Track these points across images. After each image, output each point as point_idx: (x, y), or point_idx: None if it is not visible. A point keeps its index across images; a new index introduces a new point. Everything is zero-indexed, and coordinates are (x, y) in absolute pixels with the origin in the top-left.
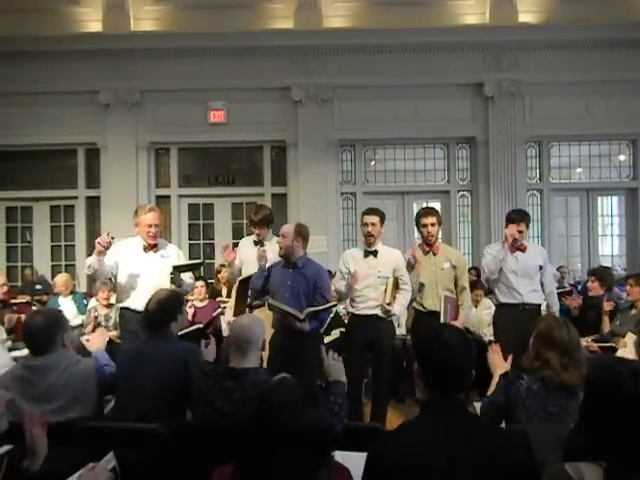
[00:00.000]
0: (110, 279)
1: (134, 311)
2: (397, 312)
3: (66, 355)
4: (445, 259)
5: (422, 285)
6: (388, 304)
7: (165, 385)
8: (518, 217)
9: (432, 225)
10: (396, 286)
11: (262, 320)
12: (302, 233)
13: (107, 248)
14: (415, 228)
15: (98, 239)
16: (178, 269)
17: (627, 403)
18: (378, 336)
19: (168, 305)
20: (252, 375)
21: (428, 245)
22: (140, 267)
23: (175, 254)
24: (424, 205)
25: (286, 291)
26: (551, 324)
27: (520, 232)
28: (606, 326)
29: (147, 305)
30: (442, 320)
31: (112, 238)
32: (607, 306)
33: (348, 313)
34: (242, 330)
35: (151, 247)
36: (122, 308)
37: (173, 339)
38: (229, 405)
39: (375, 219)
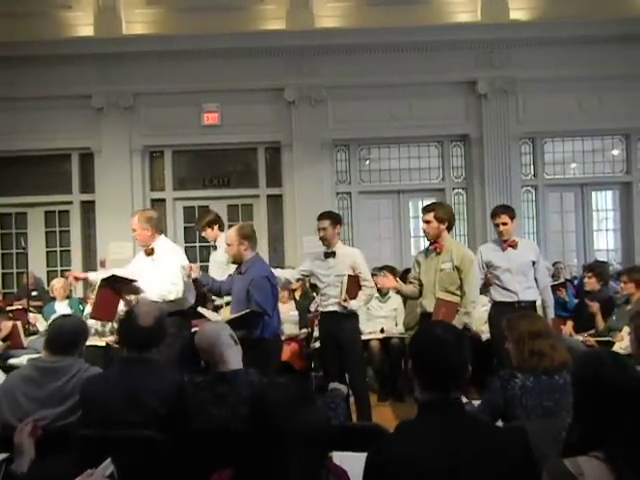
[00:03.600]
0: None
1: None
2: (355, 307)
3: (78, 361)
4: (447, 259)
5: (422, 286)
6: (344, 300)
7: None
8: (499, 209)
9: (427, 222)
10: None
11: (219, 320)
12: (246, 234)
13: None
14: (410, 226)
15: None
16: (106, 280)
17: (613, 391)
18: (339, 332)
19: (164, 323)
20: (242, 376)
21: (431, 243)
22: (139, 271)
23: (164, 257)
24: (419, 203)
25: (232, 298)
26: (524, 322)
27: (504, 224)
28: (600, 324)
29: (132, 320)
30: None
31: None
32: (594, 308)
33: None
34: (207, 341)
35: (150, 251)
36: None
37: (155, 369)
38: (226, 409)
39: (325, 223)
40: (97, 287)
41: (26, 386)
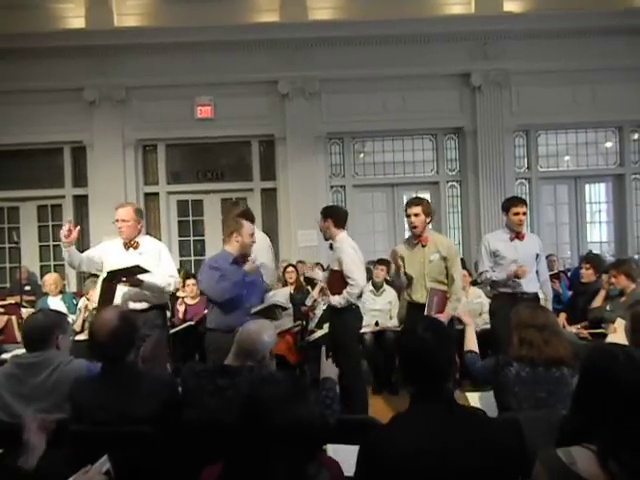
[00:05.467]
0: (96, 275)
1: None
2: (334, 303)
3: (58, 354)
4: (434, 250)
5: (411, 278)
6: (318, 294)
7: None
8: (520, 200)
9: (415, 215)
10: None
11: (273, 327)
12: None
13: (70, 235)
14: (404, 219)
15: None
16: (113, 274)
17: (622, 387)
18: (333, 325)
19: (122, 333)
20: (246, 373)
21: (415, 236)
22: (119, 265)
23: (155, 250)
24: (414, 196)
25: (251, 289)
26: (524, 311)
27: (524, 214)
28: (597, 303)
29: (94, 333)
30: (426, 313)
31: (70, 223)
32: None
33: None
34: (249, 337)
35: (131, 244)
36: None
37: (141, 375)
38: (222, 402)
39: (319, 217)
40: (101, 280)
41: (9, 383)
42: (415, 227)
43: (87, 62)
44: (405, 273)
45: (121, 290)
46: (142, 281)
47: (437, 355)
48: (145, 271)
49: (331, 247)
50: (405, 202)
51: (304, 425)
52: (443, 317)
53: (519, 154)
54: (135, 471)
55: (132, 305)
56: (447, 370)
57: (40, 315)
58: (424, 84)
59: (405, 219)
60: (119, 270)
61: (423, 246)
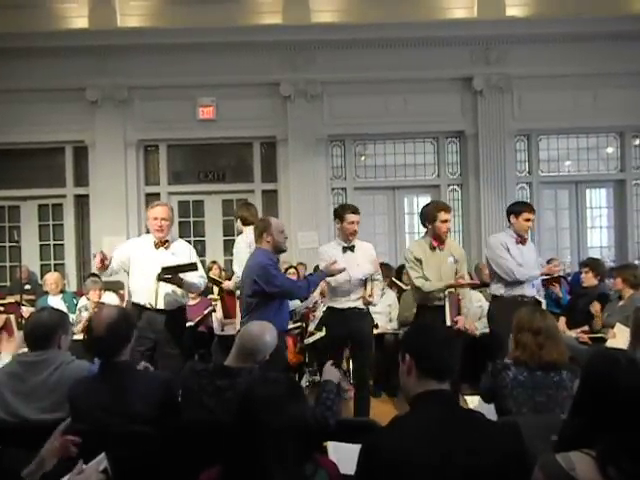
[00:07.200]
0: (99, 277)
1: (143, 307)
2: (376, 302)
3: (61, 354)
4: (449, 254)
5: (427, 280)
6: (369, 296)
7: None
8: (530, 206)
9: (449, 221)
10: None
11: (274, 328)
12: None
13: (104, 262)
14: (405, 222)
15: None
16: (168, 270)
17: (623, 392)
18: (359, 327)
19: (119, 328)
20: (245, 374)
21: (439, 241)
22: (150, 263)
23: (187, 251)
24: (415, 200)
25: None
26: (524, 314)
27: (533, 221)
28: (598, 325)
29: (92, 328)
30: (447, 316)
31: (101, 254)
32: (596, 308)
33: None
34: (250, 338)
35: (162, 244)
36: (132, 304)
37: (138, 374)
38: (222, 405)
39: (359, 217)
40: (157, 277)
41: (11, 381)
42: (446, 233)
43: (90, 62)
44: (422, 275)
45: (160, 286)
46: (183, 280)
47: (450, 349)
48: (196, 269)
49: (349, 249)
50: (432, 205)
51: (297, 425)
52: (461, 320)
53: (520, 158)
54: (133, 470)
55: (169, 305)
56: (455, 366)
57: (44, 314)
58: (426, 87)
59: (429, 222)
60: (173, 267)
61: (441, 250)
